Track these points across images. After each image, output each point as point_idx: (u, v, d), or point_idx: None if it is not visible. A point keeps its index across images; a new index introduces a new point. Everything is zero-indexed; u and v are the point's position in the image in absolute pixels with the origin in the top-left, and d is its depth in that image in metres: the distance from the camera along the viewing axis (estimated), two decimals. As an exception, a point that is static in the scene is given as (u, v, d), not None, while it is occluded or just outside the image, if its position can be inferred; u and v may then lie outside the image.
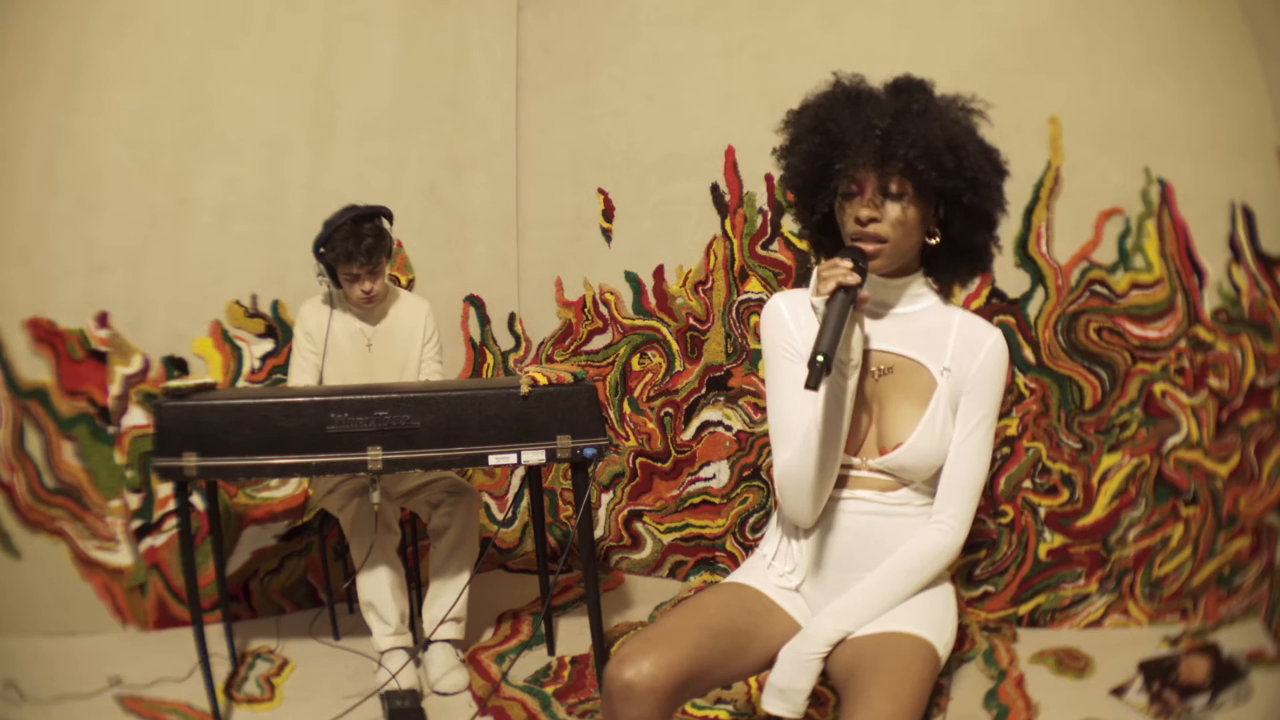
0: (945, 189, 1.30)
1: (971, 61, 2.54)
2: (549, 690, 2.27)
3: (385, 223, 2.46)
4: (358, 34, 3.07)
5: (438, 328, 2.64)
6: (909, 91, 1.34)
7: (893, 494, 1.36)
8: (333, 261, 2.39)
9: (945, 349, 1.36)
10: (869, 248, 1.30)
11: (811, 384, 1.15)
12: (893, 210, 1.31)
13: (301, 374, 2.48)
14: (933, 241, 1.36)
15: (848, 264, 1.24)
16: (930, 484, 1.37)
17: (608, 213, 3.28)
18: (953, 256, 1.39)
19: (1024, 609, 2.58)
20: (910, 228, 1.32)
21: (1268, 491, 2.36)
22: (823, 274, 1.25)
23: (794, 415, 1.36)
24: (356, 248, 2.34)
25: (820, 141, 1.34)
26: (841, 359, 1.28)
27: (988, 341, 1.35)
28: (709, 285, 3.07)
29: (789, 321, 1.40)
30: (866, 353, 1.38)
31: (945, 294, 1.45)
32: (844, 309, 1.20)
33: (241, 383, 2.83)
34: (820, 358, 1.15)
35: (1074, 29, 2.46)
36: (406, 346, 2.57)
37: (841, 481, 1.38)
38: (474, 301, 3.39)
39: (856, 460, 1.37)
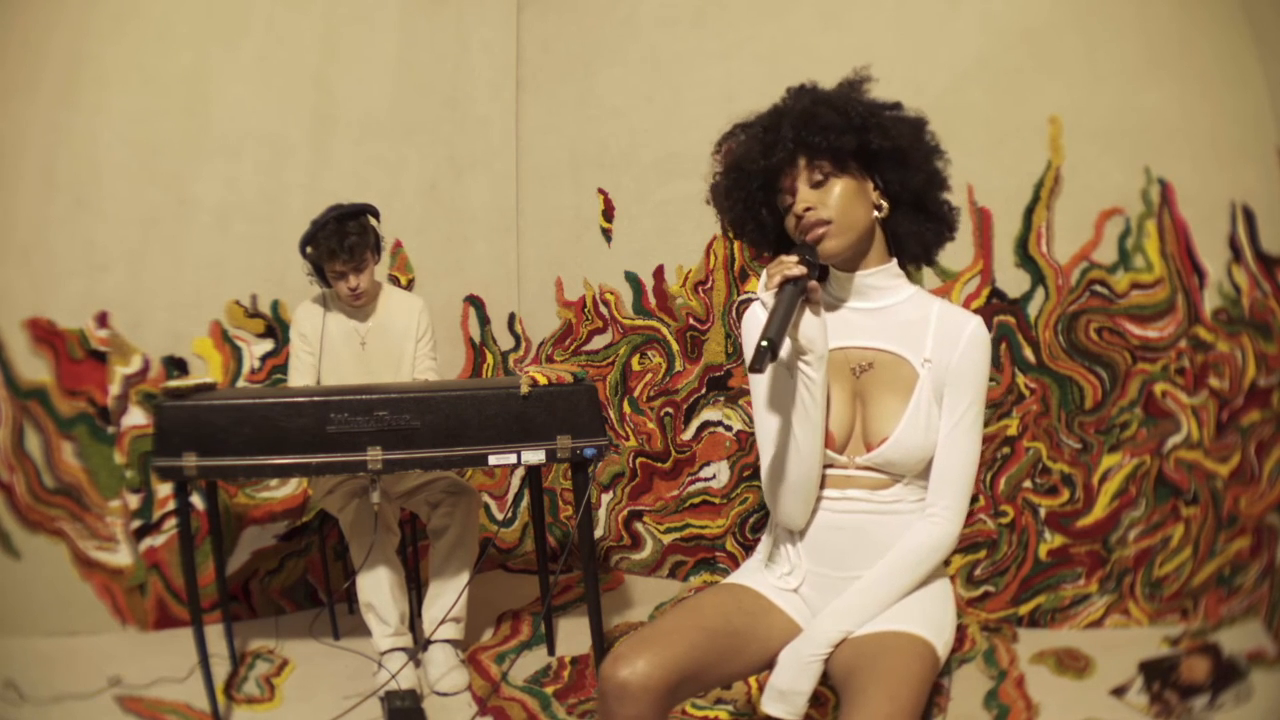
0: (844, 145, 1.31)
1: (971, 61, 2.54)
2: (549, 690, 2.27)
3: (372, 220, 2.47)
4: (358, 34, 3.08)
5: (431, 325, 2.64)
6: (792, 94, 1.39)
7: (885, 492, 1.36)
8: (317, 259, 2.42)
9: (925, 340, 1.36)
10: (818, 231, 1.32)
11: (755, 367, 1.18)
12: (821, 195, 1.33)
13: (299, 376, 2.49)
14: (880, 214, 1.38)
15: (793, 259, 1.26)
16: (922, 479, 1.37)
17: (608, 213, 3.28)
18: (909, 221, 1.40)
19: (1024, 609, 2.58)
20: (848, 202, 1.33)
21: (1268, 491, 2.36)
22: (770, 270, 1.27)
23: (773, 418, 1.37)
24: (340, 245, 2.36)
25: (736, 176, 1.40)
26: (803, 349, 1.29)
27: (967, 329, 1.34)
28: (709, 285, 3.07)
29: None
30: (846, 350, 1.39)
31: (928, 261, 1.45)
32: (792, 299, 1.24)
33: (241, 383, 2.84)
34: (764, 342, 1.17)
35: (1074, 29, 2.46)
36: (401, 343, 2.57)
37: (832, 482, 1.37)
38: (474, 301, 3.39)
39: (844, 459, 1.37)
